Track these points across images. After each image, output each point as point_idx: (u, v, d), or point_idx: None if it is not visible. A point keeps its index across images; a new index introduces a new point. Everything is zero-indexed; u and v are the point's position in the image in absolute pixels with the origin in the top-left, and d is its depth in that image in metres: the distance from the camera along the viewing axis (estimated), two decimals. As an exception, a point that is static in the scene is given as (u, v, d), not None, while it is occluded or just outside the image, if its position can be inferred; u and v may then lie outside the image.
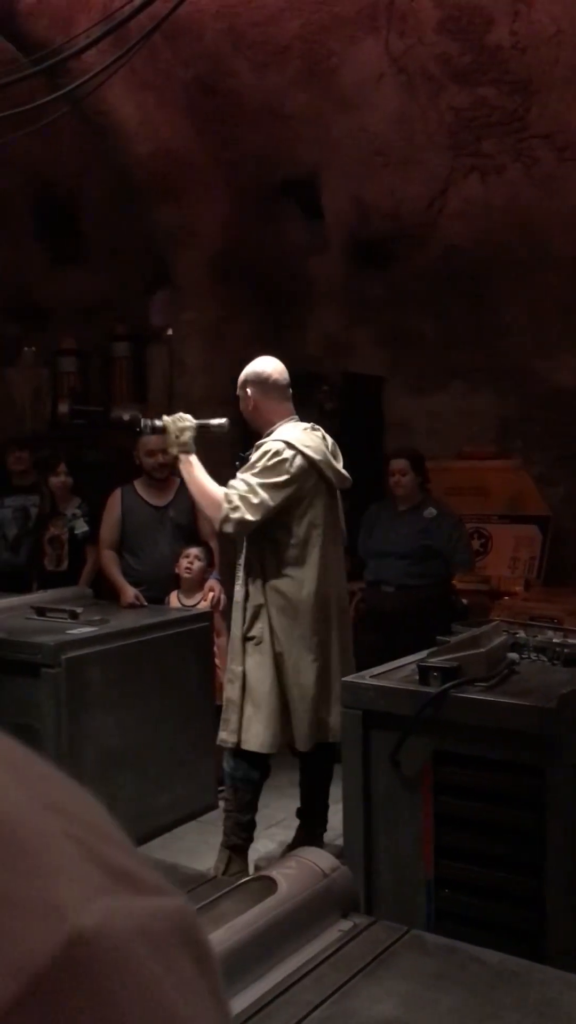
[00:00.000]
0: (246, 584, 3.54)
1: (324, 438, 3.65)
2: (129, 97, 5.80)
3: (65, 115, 5.25)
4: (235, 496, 3.39)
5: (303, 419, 3.73)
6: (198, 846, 4.09)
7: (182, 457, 3.56)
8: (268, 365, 3.69)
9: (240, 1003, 1.27)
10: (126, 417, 7.05)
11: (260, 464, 3.45)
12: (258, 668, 3.51)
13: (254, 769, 3.60)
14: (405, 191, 6.07)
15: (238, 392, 3.68)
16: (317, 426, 3.72)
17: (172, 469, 4.72)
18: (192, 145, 6.15)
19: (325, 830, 3.82)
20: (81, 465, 6.38)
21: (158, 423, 3.63)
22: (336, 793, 3.40)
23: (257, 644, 3.51)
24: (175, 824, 4.32)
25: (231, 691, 3.57)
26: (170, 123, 6.03)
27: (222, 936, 1.33)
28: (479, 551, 5.93)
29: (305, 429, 3.61)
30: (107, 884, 0.31)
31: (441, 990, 1.32)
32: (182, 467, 3.57)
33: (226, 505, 3.38)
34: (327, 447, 3.62)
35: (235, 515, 3.37)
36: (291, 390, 3.72)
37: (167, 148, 6.06)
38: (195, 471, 3.53)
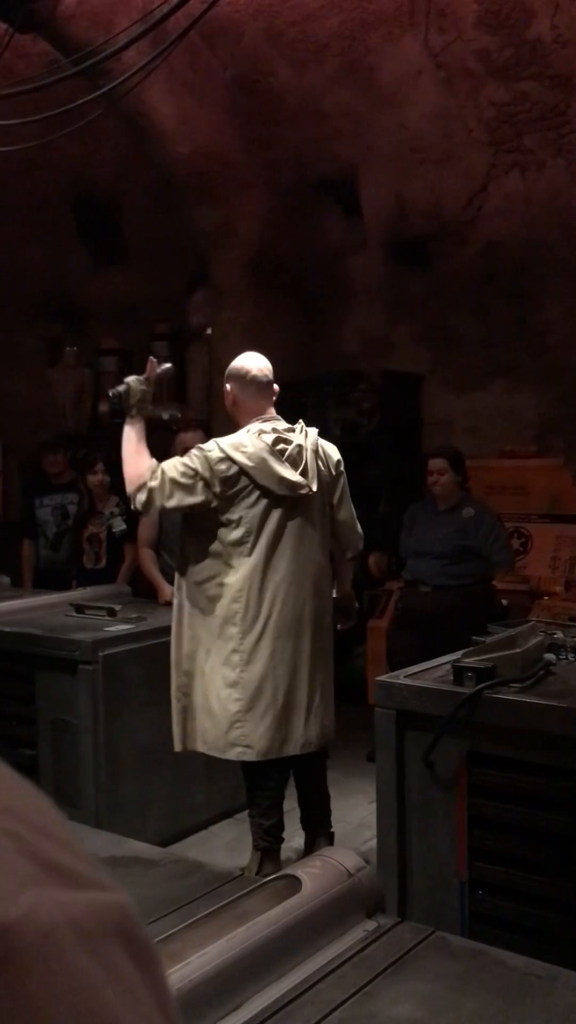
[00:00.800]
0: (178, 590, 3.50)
1: (282, 440, 3.47)
2: (169, 98, 5.83)
3: (105, 116, 5.29)
4: (162, 471, 3.32)
5: (339, 419, 3.68)
6: (233, 844, 4.10)
7: (135, 416, 3.49)
8: (249, 361, 3.59)
9: (261, 1001, 1.27)
10: (164, 416, 7.09)
11: (189, 454, 3.40)
12: (198, 674, 3.49)
13: (263, 775, 3.57)
14: (444, 188, 6.03)
15: (223, 386, 3.62)
16: (292, 429, 3.56)
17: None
18: (231, 144, 6.17)
19: (331, 827, 3.77)
20: (121, 464, 6.43)
21: (120, 388, 3.60)
22: (370, 792, 3.38)
23: (203, 650, 3.46)
24: (210, 822, 4.33)
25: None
26: (209, 123, 6.05)
27: (245, 934, 1.33)
28: (519, 551, 5.87)
29: (259, 434, 3.45)
30: (38, 877, 0.31)
31: (464, 993, 1.31)
32: (130, 425, 3.49)
33: (148, 476, 3.32)
34: (283, 453, 3.45)
35: (154, 486, 3.30)
36: (274, 387, 3.59)
37: (206, 148, 6.08)
38: (138, 431, 3.47)
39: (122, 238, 7.74)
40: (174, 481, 3.31)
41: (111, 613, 4.27)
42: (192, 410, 7.15)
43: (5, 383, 8.33)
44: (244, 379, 3.55)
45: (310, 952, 1.36)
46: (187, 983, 1.20)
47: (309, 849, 3.71)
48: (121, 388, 3.58)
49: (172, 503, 3.34)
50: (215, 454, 3.36)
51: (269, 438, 3.47)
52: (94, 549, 5.57)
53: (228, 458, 3.35)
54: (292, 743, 3.48)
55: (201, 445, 3.44)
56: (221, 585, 3.40)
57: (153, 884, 1.64)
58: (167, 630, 4.23)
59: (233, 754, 3.44)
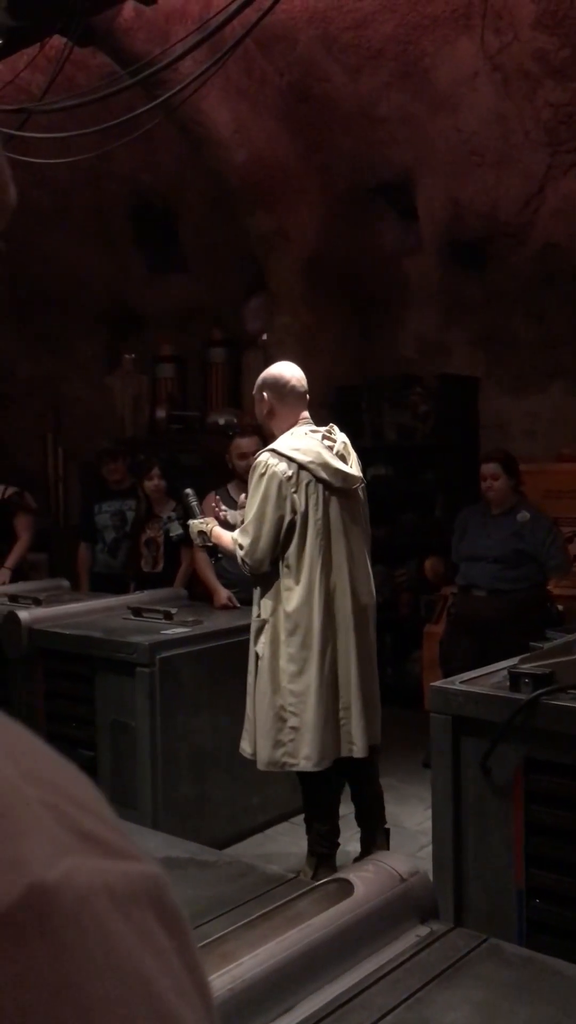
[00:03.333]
0: (258, 598, 3.55)
1: (327, 438, 3.56)
2: (224, 105, 5.88)
3: (162, 125, 5.36)
4: (237, 540, 3.51)
5: (394, 423, 3.72)
6: (289, 847, 4.10)
7: (207, 537, 3.78)
8: (287, 370, 3.64)
9: (313, 1004, 1.28)
10: (221, 421, 7.14)
11: (251, 487, 3.49)
12: (259, 684, 3.48)
13: (316, 780, 3.58)
14: (501, 190, 5.99)
15: (255, 395, 3.66)
16: (331, 429, 3.62)
17: None
18: (287, 151, 6.20)
19: (385, 822, 3.79)
20: (178, 469, 6.49)
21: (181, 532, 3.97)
22: (426, 798, 3.36)
23: (262, 660, 3.48)
24: (267, 825, 4.35)
25: (248, 703, 3.58)
26: (265, 130, 6.09)
27: (297, 936, 1.33)
28: (577, 555, 5.78)
29: (307, 434, 3.53)
30: (76, 845, 0.33)
31: (518, 1000, 1.30)
32: (216, 541, 3.77)
33: (238, 552, 3.49)
34: (332, 449, 3.53)
35: (247, 560, 3.48)
36: (308, 397, 3.66)
37: (262, 155, 6.12)
38: (217, 537, 3.75)
39: (179, 245, 7.82)
40: (251, 541, 3.46)
41: (168, 616, 4.32)
42: (248, 415, 7.19)
43: (66, 390, 8.47)
44: (283, 389, 3.59)
45: (362, 956, 1.37)
46: (239, 984, 1.21)
47: (365, 845, 3.74)
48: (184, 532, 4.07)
49: (263, 551, 3.44)
50: (271, 461, 3.43)
51: (318, 436, 3.55)
52: (151, 553, 5.63)
53: (288, 458, 3.43)
54: (346, 748, 3.49)
55: (259, 467, 3.48)
56: (291, 590, 3.48)
57: (207, 885, 1.65)
58: (223, 633, 4.28)
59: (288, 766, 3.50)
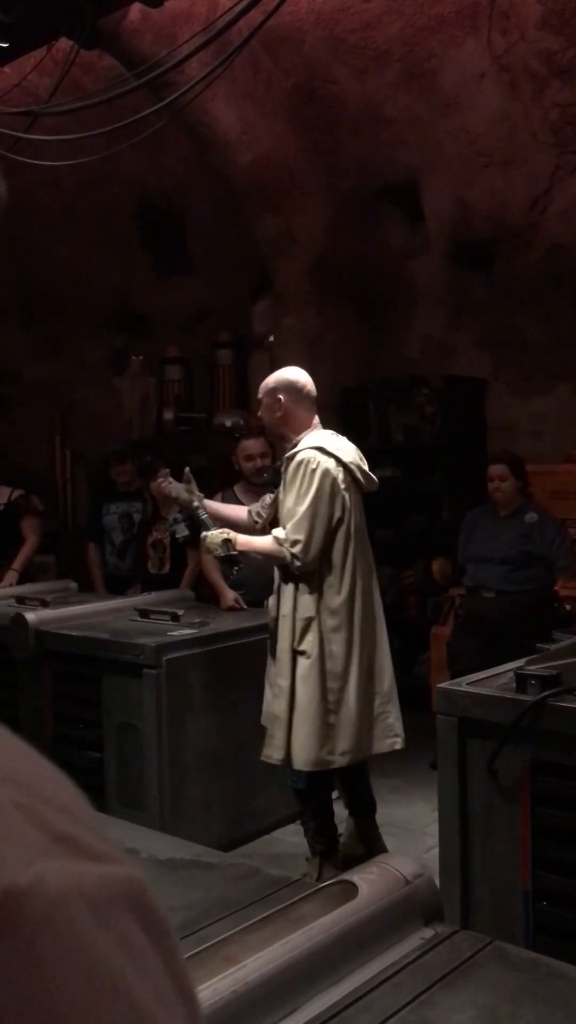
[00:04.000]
0: (294, 596, 3.52)
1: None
2: (231, 107, 5.89)
3: (168, 127, 5.37)
4: (287, 539, 3.44)
5: (401, 424, 3.75)
6: (294, 849, 4.10)
7: (232, 545, 3.60)
8: (301, 375, 3.69)
9: (317, 1007, 1.28)
10: (228, 423, 7.15)
11: (296, 484, 3.46)
12: (305, 683, 3.47)
13: (321, 779, 3.61)
14: (508, 191, 5.98)
15: (263, 398, 3.67)
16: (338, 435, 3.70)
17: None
18: (293, 153, 6.20)
19: (375, 811, 3.85)
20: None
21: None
22: (433, 799, 3.36)
23: (307, 658, 3.47)
24: (273, 827, 4.34)
25: (276, 706, 3.52)
26: (271, 132, 6.09)
27: (300, 939, 1.33)
28: (585, 557, 5.76)
29: (332, 435, 3.63)
30: (51, 848, 0.32)
31: (522, 1004, 1.29)
32: (240, 549, 3.62)
33: (286, 548, 3.43)
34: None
35: (299, 558, 3.42)
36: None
37: (269, 157, 6.12)
38: (243, 546, 3.60)
39: (186, 247, 7.83)
40: (305, 540, 3.42)
41: (175, 618, 4.32)
42: (254, 417, 7.19)
43: (73, 392, 8.49)
44: (300, 392, 3.64)
45: (366, 959, 1.36)
46: (242, 986, 1.21)
47: (361, 832, 3.77)
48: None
49: (317, 546, 3.43)
50: (320, 457, 3.46)
51: (345, 439, 3.64)
52: (158, 555, 5.64)
53: (335, 457, 3.49)
54: (387, 743, 3.58)
55: (307, 463, 3.47)
56: (335, 588, 3.51)
57: (211, 887, 1.65)
58: (230, 635, 4.28)
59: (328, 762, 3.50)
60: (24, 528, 5.89)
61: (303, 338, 6.60)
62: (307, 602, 3.49)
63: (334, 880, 1.54)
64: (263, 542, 3.57)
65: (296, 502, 3.45)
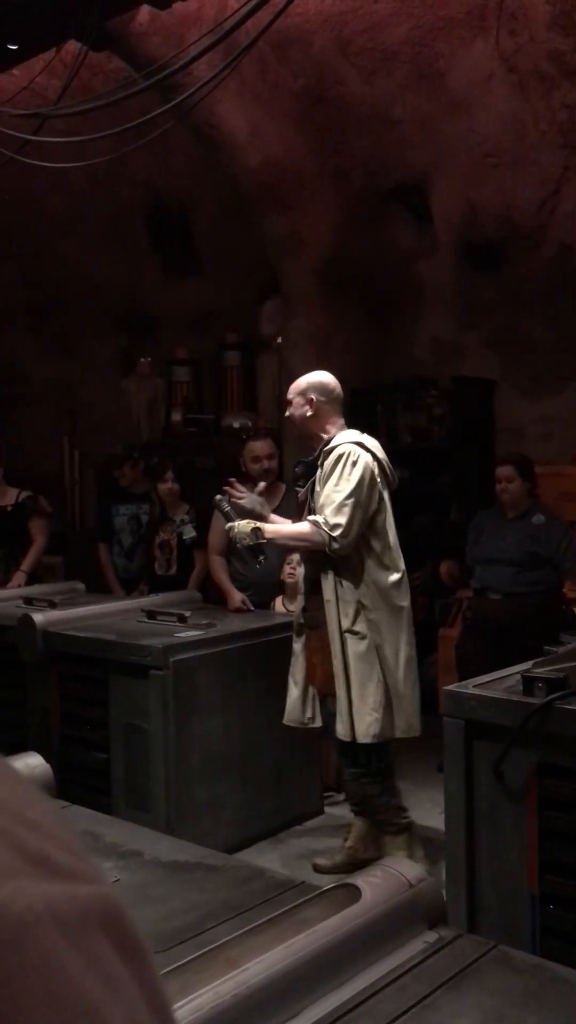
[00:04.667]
0: (337, 581, 3.63)
1: None
2: (239, 109, 5.89)
3: (177, 129, 5.37)
4: (327, 521, 3.55)
5: (409, 425, 3.80)
6: (302, 851, 4.09)
7: (260, 534, 3.70)
8: (330, 377, 3.89)
9: (320, 1010, 1.27)
10: (236, 424, 7.15)
11: (337, 473, 3.61)
12: (360, 662, 3.59)
13: (384, 755, 3.72)
14: (516, 192, 5.96)
15: (294, 398, 3.84)
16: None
17: (277, 475, 4.85)
18: (301, 154, 6.20)
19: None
20: (193, 472, 6.50)
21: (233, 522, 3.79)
22: (440, 802, 3.35)
23: (361, 639, 3.60)
24: (280, 829, 4.33)
25: (337, 687, 3.62)
26: (279, 133, 6.09)
27: (303, 942, 1.33)
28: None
29: (361, 433, 3.80)
30: (19, 868, 0.31)
31: (526, 1008, 1.28)
32: (269, 538, 3.73)
33: (325, 532, 3.54)
34: None
35: (339, 540, 3.53)
36: None
37: (277, 158, 6.12)
38: (273, 534, 3.73)
39: (194, 248, 7.83)
40: (346, 523, 3.53)
41: (182, 619, 4.32)
42: (262, 418, 7.20)
43: (82, 393, 8.50)
44: (332, 393, 3.84)
45: (369, 962, 1.36)
46: (244, 989, 1.21)
47: (368, 835, 3.86)
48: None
49: (354, 529, 3.56)
50: (359, 452, 3.63)
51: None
52: (165, 556, 5.64)
53: (372, 454, 3.67)
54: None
55: (349, 455, 3.62)
56: (382, 572, 3.66)
57: (214, 889, 1.65)
58: (237, 636, 4.28)
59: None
60: (32, 529, 5.90)
61: (311, 339, 6.60)
62: (351, 588, 3.62)
63: (337, 883, 1.53)
64: (295, 528, 3.72)
65: (337, 489, 3.59)
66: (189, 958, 1.28)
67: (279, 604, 4.88)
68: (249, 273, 7.39)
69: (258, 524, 3.72)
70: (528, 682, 2.76)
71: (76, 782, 3.98)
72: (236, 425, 7.19)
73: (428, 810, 4.34)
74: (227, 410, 7.66)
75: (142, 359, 8.16)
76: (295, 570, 4.71)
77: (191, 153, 6.70)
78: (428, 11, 5.39)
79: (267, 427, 6.06)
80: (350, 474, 3.59)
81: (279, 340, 7.01)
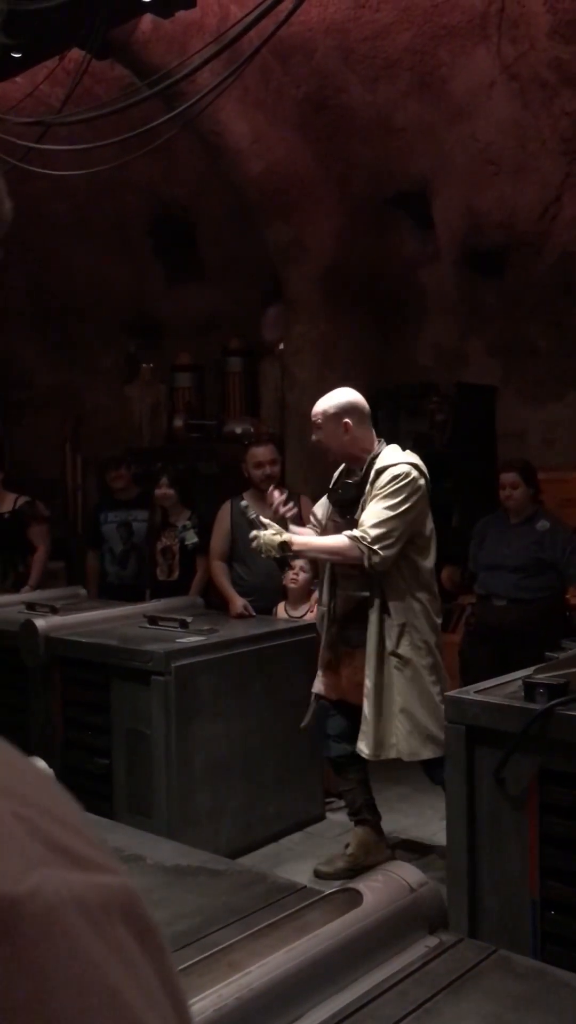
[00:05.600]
0: (383, 602, 3.58)
1: None
2: (242, 117, 5.91)
3: (180, 136, 5.39)
4: (367, 535, 3.47)
5: (411, 431, 3.81)
6: (303, 856, 4.10)
7: (290, 547, 3.58)
8: (356, 394, 3.81)
9: (321, 1014, 1.28)
10: (238, 430, 7.17)
11: (388, 488, 3.55)
12: (404, 683, 3.57)
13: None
14: (518, 199, 5.98)
15: (325, 424, 3.71)
16: None
17: (279, 481, 4.85)
18: (304, 162, 6.22)
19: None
20: (195, 477, 6.51)
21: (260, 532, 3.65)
22: (441, 808, 3.35)
23: (405, 663, 3.57)
24: (282, 834, 4.34)
25: (365, 707, 3.60)
26: (282, 141, 6.11)
27: (305, 946, 1.33)
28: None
29: (399, 448, 3.78)
30: (48, 858, 0.33)
31: (527, 1013, 1.29)
32: (298, 551, 3.63)
33: (364, 547, 3.47)
34: None
35: (380, 553, 3.47)
36: None
37: (280, 165, 6.15)
38: (302, 547, 3.61)
39: (198, 255, 7.86)
40: (384, 524, 3.50)
41: (184, 625, 4.33)
42: (264, 424, 7.21)
43: (85, 398, 8.53)
44: (362, 412, 3.78)
45: (370, 966, 1.36)
46: (246, 992, 1.21)
47: (369, 840, 3.91)
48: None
49: (395, 546, 3.52)
50: (414, 473, 3.59)
51: None
52: (167, 561, 5.65)
53: (422, 472, 3.63)
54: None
55: (406, 474, 3.58)
56: (429, 595, 3.68)
57: (217, 894, 1.66)
58: (239, 642, 4.29)
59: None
60: (32, 536, 5.88)
61: (314, 345, 6.62)
62: (398, 607, 3.58)
63: (339, 888, 1.54)
64: (327, 542, 3.60)
65: (386, 505, 3.52)
66: (192, 962, 1.29)
67: (281, 610, 4.89)
68: (252, 280, 7.41)
69: (286, 536, 3.58)
70: (530, 688, 2.76)
71: (78, 787, 3.98)
72: (238, 431, 7.21)
73: (429, 817, 4.35)
74: (229, 416, 7.67)
75: (144, 365, 8.18)
76: (298, 575, 4.73)
77: (194, 160, 6.73)
78: (430, 20, 5.41)
79: (269, 433, 6.07)
80: (404, 493, 3.53)
81: (281, 346, 7.02)
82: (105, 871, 0.35)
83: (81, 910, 0.32)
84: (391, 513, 3.49)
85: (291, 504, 3.82)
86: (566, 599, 4.98)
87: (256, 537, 3.59)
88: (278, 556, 3.61)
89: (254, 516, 3.78)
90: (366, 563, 3.49)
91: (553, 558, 4.82)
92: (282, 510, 3.73)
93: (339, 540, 3.54)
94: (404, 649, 3.56)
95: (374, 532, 3.47)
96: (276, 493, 3.83)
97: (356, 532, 3.50)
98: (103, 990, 0.32)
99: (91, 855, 0.35)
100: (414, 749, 3.58)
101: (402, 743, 3.58)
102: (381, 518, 3.49)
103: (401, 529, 3.51)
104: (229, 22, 4.96)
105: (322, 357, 6.54)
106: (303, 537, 3.67)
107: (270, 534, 3.58)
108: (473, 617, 5.17)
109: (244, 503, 3.94)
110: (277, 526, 3.63)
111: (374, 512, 3.51)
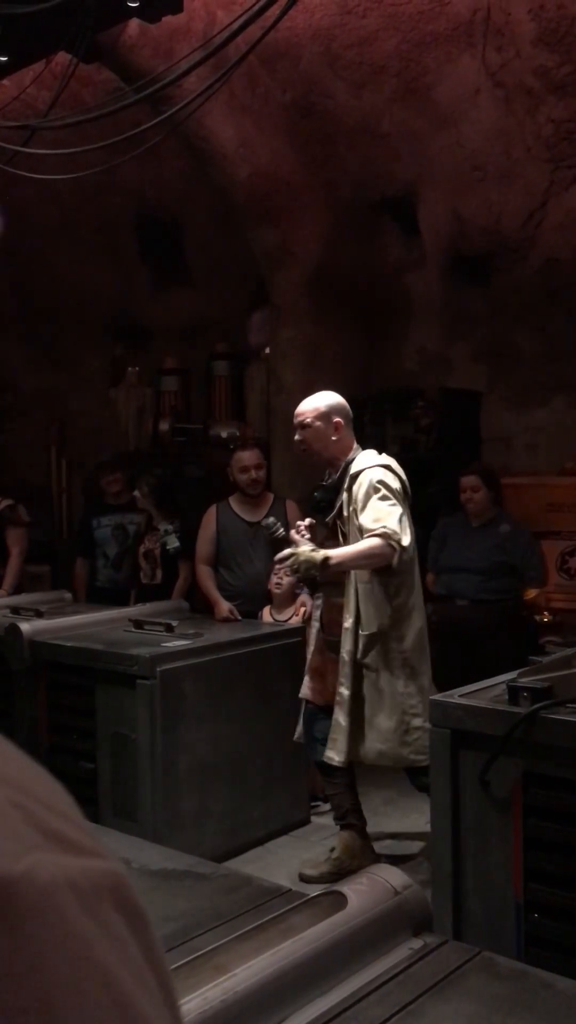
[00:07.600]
0: (357, 609, 3.58)
1: None
2: (229, 121, 5.92)
3: (167, 141, 5.40)
4: (389, 528, 3.45)
5: (397, 436, 3.84)
6: (289, 859, 4.10)
7: (327, 564, 3.46)
8: (341, 398, 3.84)
9: (306, 1016, 1.28)
10: (224, 434, 7.17)
11: (376, 496, 3.54)
12: (376, 691, 3.58)
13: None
14: (503, 205, 6.02)
15: (315, 423, 3.70)
16: None
17: (265, 485, 4.86)
18: (290, 167, 6.24)
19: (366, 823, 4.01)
20: (182, 481, 6.50)
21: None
22: (425, 811, 3.37)
23: (373, 671, 3.57)
24: (268, 838, 4.34)
25: (338, 713, 3.60)
26: (269, 146, 6.13)
27: (290, 949, 1.34)
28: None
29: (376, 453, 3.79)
30: (41, 842, 0.35)
31: (510, 1014, 1.30)
32: (335, 565, 3.48)
33: (392, 543, 3.44)
34: None
35: (403, 548, 3.46)
36: None
37: (266, 170, 6.16)
38: (341, 558, 3.48)
39: (184, 259, 7.86)
40: (403, 531, 3.51)
41: (169, 629, 4.33)
42: (250, 428, 7.22)
43: (71, 402, 8.51)
44: (349, 416, 3.82)
45: (354, 969, 1.37)
46: (231, 995, 1.22)
47: (354, 844, 3.92)
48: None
49: (408, 537, 3.53)
50: (389, 475, 3.60)
51: None
52: (150, 565, 5.65)
53: (397, 474, 3.65)
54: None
55: (381, 480, 3.58)
56: (405, 604, 3.64)
57: (202, 897, 1.66)
58: (224, 646, 4.29)
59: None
60: (8, 539, 5.87)
61: (300, 350, 6.63)
62: (371, 615, 3.56)
63: (324, 891, 1.55)
64: (361, 547, 3.48)
65: (378, 507, 3.50)
66: (177, 964, 1.29)
67: (267, 614, 4.90)
68: (238, 284, 7.42)
69: (325, 552, 3.44)
70: (514, 692, 2.78)
71: (63, 791, 3.97)
72: (224, 435, 7.21)
73: (414, 819, 4.36)
74: (215, 420, 7.68)
75: (130, 369, 8.17)
76: (282, 580, 4.74)
77: (181, 164, 6.74)
78: (416, 26, 5.44)
79: (255, 437, 6.09)
80: (389, 493, 3.55)
81: (268, 351, 7.03)
82: (96, 856, 0.36)
83: (73, 892, 0.34)
84: (392, 510, 3.51)
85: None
86: (524, 601, 5.07)
87: (293, 555, 3.45)
88: (318, 574, 3.45)
89: (283, 534, 3.72)
90: (395, 561, 3.46)
91: (515, 561, 4.94)
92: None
93: (370, 543, 3.46)
94: (372, 659, 3.56)
95: (393, 525, 3.45)
96: (302, 525, 3.72)
97: (378, 529, 3.44)
98: (94, 966, 0.33)
99: (83, 841, 0.36)
100: (381, 759, 3.61)
101: (370, 752, 3.61)
102: (390, 513, 3.48)
103: (407, 517, 3.55)
104: (216, 27, 4.98)
105: (308, 361, 6.55)
106: (339, 550, 3.53)
107: (308, 551, 3.45)
108: (434, 615, 5.21)
109: (271, 519, 3.85)
110: (311, 543, 3.54)
111: (378, 510, 3.49)
